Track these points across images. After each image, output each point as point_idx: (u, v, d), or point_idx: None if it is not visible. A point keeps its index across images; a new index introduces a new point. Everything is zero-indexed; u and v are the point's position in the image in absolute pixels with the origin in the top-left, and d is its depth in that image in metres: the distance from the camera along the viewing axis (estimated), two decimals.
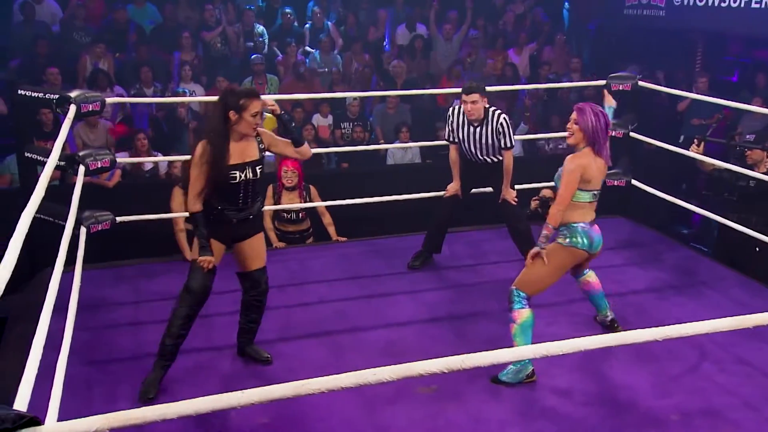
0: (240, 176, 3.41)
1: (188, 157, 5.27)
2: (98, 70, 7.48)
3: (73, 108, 4.24)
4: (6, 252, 2.29)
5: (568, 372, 3.77)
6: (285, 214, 5.58)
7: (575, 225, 3.68)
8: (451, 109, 4.85)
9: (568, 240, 3.69)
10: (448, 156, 4.97)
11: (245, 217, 3.54)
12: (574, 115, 3.67)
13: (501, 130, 4.64)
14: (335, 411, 3.44)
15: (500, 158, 4.77)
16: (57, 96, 4.33)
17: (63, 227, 4.62)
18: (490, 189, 4.97)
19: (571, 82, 8.10)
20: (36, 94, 4.41)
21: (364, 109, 7.94)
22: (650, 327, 4.12)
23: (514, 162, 4.83)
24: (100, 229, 4.64)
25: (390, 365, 3.72)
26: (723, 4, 8.32)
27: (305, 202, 5.60)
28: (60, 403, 2.88)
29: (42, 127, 6.70)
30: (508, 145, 4.70)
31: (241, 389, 3.58)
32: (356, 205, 5.50)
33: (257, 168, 3.49)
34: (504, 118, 4.67)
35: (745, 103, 7.16)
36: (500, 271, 4.96)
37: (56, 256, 3.54)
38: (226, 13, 8.80)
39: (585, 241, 3.69)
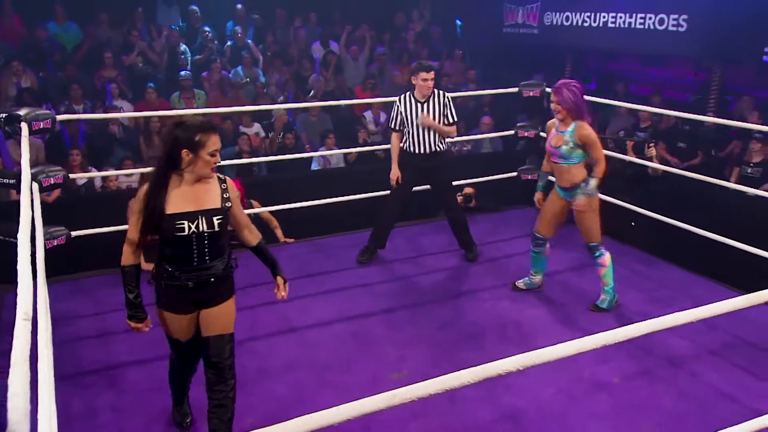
0: (190, 228, 2.48)
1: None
2: (24, 89, 6.73)
3: (24, 126, 3.75)
4: (18, 276, 1.95)
5: (516, 347, 3.75)
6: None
7: (586, 180, 4.02)
8: (398, 98, 4.74)
9: (595, 189, 4.03)
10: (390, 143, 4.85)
11: (204, 279, 2.57)
12: (554, 97, 3.92)
13: (447, 103, 4.67)
14: (316, 402, 3.24)
15: (441, 147, 4.70)
16: (5, 114, 3.82)
17: (13, 244, 4.13)
18: (428, 186, 4.90)
19: (468, 91, 8.16)
20: None
21: (287, 117, 7.66)
22: (583, 302, 4.27)
23: None
24: (56, 244, 4.17)
25: (363, 356, 3.64)
26: (585, 24, 8.67)
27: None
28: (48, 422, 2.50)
29: None
30: (454, 119, 4.70)
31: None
32: (293, 208, 5.25)
33: (215, 219, 2.52)
34: (448, 95, 4.72)
35: (611, 107, 7.58)
36: (441, 262, 4.92)
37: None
38: (149, 34, 8.24)
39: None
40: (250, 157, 6.46)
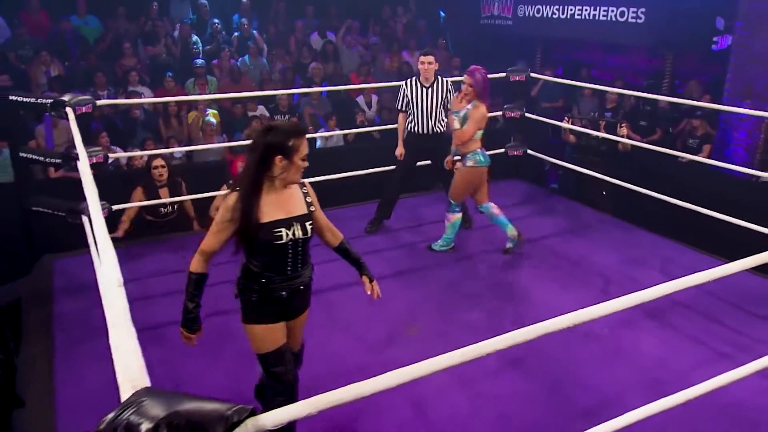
0: (287, 235, 2.19)
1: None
2: (53, 78, 6.53)
3: (70, 111, 3.64)
4: (100, 246, 1.90)
5: (512, 304, 3.80)
6: None
7: (477, 151, 4.10)
8: (404, 82, 4.67)
9: (473, 163, 4.11)
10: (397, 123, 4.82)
11: (296, 288, 2.31)
12: (468, 79, 4.00)
13: (450, 88, 4.59)
14: (347, 356, 3.27)
15: (442, 128, 4.65)
16: (51, 100, 3.71)
17: (61, 217, 4.06)
18: (428, 162, 4.87)
19: (453, 77, 8.06)
20: (28, 100, 3.75)
21: (291, 102, 7.54)
22: (566, 262, 4.32)
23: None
24: (106, 216, 4.09)
25: (380, 313, 3.65)
26: (554, 16, 8.64)
27: None
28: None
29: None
30: None
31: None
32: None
33: (307, 224, 2.26)
34: (451, 82, 4.64)
35: (580, 91, 7.60)
36: (440, 230, 4.87)
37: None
38: (164, 26, 8.00)
39: (484, 158, 4.14)
40: None
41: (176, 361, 3.24)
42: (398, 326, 3.55)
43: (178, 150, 6.09)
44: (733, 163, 5.10)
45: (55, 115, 3.66)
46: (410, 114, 4.61)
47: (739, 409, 2.76)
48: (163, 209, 4.76)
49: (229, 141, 6.53)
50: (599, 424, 2.68)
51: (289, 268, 2.25)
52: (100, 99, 6.57)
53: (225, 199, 2.18)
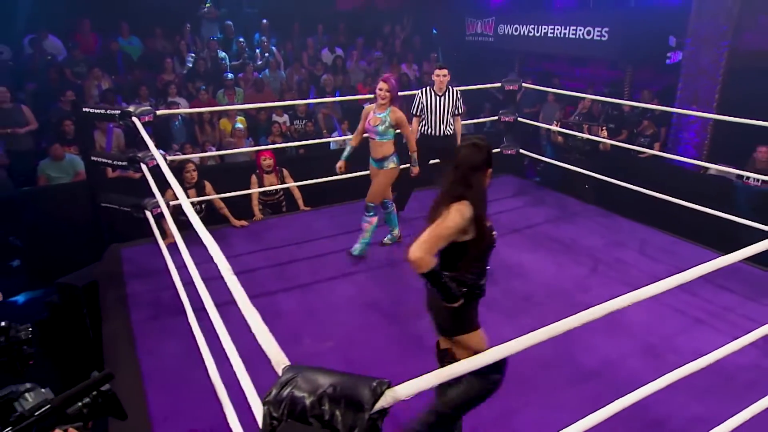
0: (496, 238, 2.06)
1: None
2: (106, 90, 6.39)
3: (136, 120, 3.56)
4: (204, 240, 1.87)
5: (520, 282, 3.81)
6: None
7: (395, 153, 3.95)
8: (420, 90, 4.61)
9: (394, 164, 3.94)
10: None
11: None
12: (384, 85, 3.83)
13: (458, 97, 4.54)
14: (376, 329, 3.25)
15: (451, 131, 4.60)
16: (119, 111, 3.62)
17: (126, 212, 3.99)
18: (438, 160, 4.85)
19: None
20: (99, 111, 3.66)
21: (307, 109, 7.44)
22: (561, 246, 4.33)
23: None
24: (160, 211, 4.01)
25: (406, 293, 3.63)
26: (530, 34, 8.63)
27: (280, 179, 5.18)
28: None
29: (65, 136, 5.67)
30: (461, 110, 4.60)
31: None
32: (322, 182, 5.02)
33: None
34: (459, 91, 4.58)
35: (545, 99, 7.60)
36: None
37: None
38: (194, 44, 7.83)
39: (398, 159, 3.98)
40: (282, 140, 6.34)
41: (235, 338, 3.20)
42: (420, 302, 3.53)
43: (215, 154, 6.01)
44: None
45: (123, 123, 3.58)
46: (423, 118, 4.58)
47: (723, 366, 2.80)
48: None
49: (255, 144, 6.47)
50: (605, 383, 2.72)
51: (487, 267, 2.09)
52: None
53: (458, 209, 1.95)
